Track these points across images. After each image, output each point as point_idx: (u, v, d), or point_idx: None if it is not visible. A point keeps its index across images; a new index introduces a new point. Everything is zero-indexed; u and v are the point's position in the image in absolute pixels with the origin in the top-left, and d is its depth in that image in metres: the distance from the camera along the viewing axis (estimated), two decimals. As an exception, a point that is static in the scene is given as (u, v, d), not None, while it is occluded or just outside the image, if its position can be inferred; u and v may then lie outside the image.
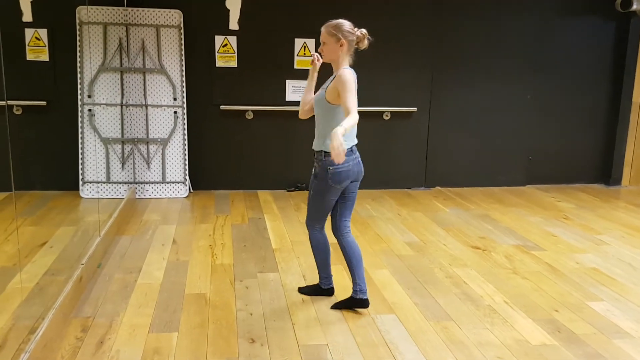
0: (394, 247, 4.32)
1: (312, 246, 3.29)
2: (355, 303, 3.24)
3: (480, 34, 6.07)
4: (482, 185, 6.43)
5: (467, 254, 4.20)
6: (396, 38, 5.90)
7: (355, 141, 3.10)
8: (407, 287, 3.58)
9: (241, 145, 5.90)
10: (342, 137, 2.57)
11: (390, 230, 4.76)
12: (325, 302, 3.31)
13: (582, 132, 6.54)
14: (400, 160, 6.22)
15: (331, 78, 3.03)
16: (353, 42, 3.02)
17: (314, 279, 3.59)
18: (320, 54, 3.11)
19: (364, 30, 3.04)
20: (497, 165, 6.43)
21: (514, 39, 6.13)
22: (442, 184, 6.38)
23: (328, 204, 3.13)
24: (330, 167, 2.99)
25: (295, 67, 5.76)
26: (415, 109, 6.08)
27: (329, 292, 3.40)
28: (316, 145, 3.09)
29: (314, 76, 3.25)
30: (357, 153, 3.10)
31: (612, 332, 3.05)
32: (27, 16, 5.18)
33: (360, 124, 5.99)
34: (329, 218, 3.23)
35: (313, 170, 3.11)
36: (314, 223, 3.22)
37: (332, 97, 2.96)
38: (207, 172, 5.91)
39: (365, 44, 3.06)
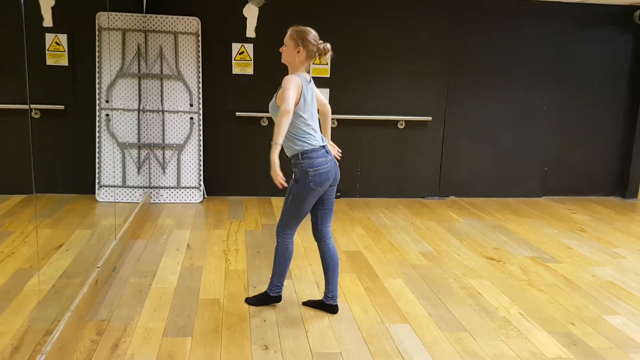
0: (408, 257, 4.30)
1: (278, 253, 3.24)
2: (324, 307, 3.30)
3: (497, 44, 6.06)
4: (497, 195, 6.39)
5: (482, 265, 4.18)
6: (412, 47, 5.90)
7: (325, 142, 3.11)
8: (421, 297, 3.56)
9: (255, 152, 5.92)
10: (276, 156, 2.82)
11: (403, 239, 4.74)
12: (338, 311, 3.30)
13: (599, 144, 6.48)
14: (415, 169, 6.21)
15: None
16: (312, 53, 3.04)
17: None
18: None
19: (328, 45, 3.07)
20: (512, 176, 6.39)
21: (532, 50, 6.11)
22: (457, 194, 6.35)
23: (306, 209, 3.12)
24: (311, 169, 3.00)
25: (311, 75, 5.77)
26: (430, 118, 6.07)
27: (277, 299, 3.37)
28: (288, 151, 3.09)
29: None
30: (331, 154, 3.11)
31: (629, 346, 3.01)
32: (48, 21, 5.25)
33: (374, 133, 6.05)
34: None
35: (293, 175, 3.10)
36: (286, 229, 3.19)
37: (281, 101, 2.94)
38: (221, 178, 5.94)
39: (326, 58, 3.07)
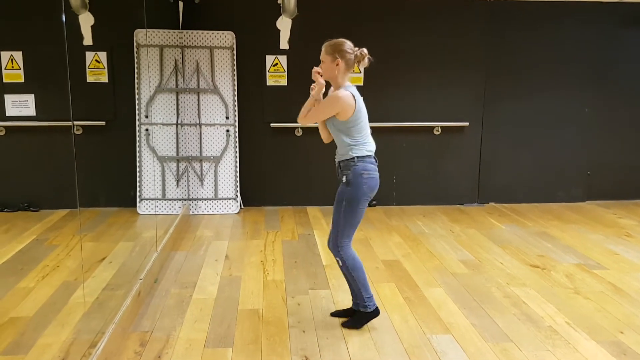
0: (448, 265, 4.23)
1: (349, 267, 3.08)
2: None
3: (535, 45, 5.93)
4: (538, 201, 6.24)
5: (526, 273, 4.07)
6: (447, 51, 5.84)
7: (374, 148, 3.08)
8: (463, 307, 3.49)
9: (290, 162, 5.95)
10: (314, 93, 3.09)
11: (443, 247, 4.67)
12: (377, 321, 3.26)
13: (644, 145, 6.28)
14: (452, 175, 6.12)
15: None
16: (351, 62, 3.02)
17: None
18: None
19: (364, 50, 3.05)
20: (554, 180, 6.23)
21: (571, 51, 5.97)
22: (497, 200, 6.23)
23: (361, 214, 3.06)
24: (365, 172, 2.99)
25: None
26: (467, 123, 5.99)
27: (376, 312, 3.18)
28: (342, 156, 3.06)
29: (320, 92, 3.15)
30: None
31: (685, 357, 2.88)
32: (88, 40, 5.40)
33: (410, 139, 5.98)
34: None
35: (343, 179, 3.03)
36: (345, 239, 3.07)
37: (338, 113, 2.99)
38: (257, 189, 5.98)
39: (365, 63, 3.07)
